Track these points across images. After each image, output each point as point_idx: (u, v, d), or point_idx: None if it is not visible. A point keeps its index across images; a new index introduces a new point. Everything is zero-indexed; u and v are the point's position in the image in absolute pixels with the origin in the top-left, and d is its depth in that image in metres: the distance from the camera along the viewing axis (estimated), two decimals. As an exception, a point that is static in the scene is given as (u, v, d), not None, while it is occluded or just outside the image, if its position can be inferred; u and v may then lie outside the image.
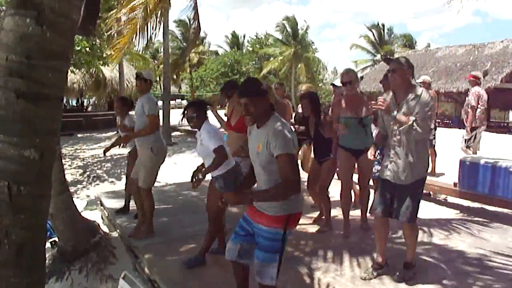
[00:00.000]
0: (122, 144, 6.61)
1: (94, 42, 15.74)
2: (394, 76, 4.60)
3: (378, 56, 48.81)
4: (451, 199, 8.09)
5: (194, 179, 5.06)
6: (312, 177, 6.64)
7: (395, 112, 4.49)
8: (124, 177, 13.98)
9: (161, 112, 7.88)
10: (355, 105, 6.01)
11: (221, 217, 5.43)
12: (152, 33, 15.46)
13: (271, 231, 3.47)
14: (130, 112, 7.46)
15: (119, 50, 14.60)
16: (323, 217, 6.64)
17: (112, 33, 14.82)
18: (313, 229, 6.49)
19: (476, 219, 7.08)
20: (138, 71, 6.69)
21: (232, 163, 5.12)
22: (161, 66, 27.71)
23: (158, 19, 15.76)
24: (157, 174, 6.46)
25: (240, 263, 3.88)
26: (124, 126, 7.12)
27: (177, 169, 7.18)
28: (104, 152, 7.05)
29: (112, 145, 6.88)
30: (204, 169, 5.04)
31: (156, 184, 8.31)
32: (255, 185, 3.79)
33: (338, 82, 6.73)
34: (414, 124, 4.37)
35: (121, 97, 8.11)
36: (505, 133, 22.09)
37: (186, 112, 5.12)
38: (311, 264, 5.24)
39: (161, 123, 6.24)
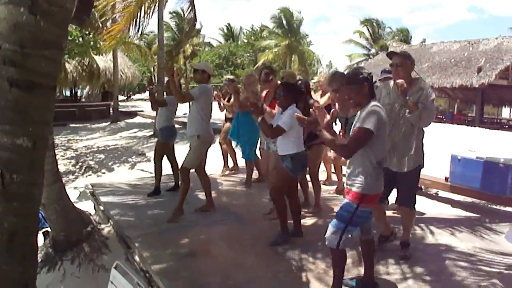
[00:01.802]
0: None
1: (87, 32, 15.69)
2: (398, 70, 4.75)
3: (373, 51, 48.79)
4: (442, 193, 8.13)
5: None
6: None
7: (410, 97, 4.63)
8: (116, 168, 14.05)
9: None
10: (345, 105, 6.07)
11: (283, 197, 5.61)
12: (146, 22, 15.46)
13: (347, 202, 4.04)
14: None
15: (112, 38, 14.56)
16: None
17: (108, 19, 14.80)
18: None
19: (467, 213, 7.12)
20: (192, 64, 7.33)
21: (302, 148, 5.49)
22: (155, 57, 27.59)
23: (153, 7, 15.77)
24: (205, 160, 7.10)
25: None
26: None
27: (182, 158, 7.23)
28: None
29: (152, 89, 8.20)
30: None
31: (151, 175, 8.34)
32: None
33: None
34: (423, 110, 4.57)
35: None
36: (498, 129, 22.19)
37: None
38: (304, 254, 5.27)
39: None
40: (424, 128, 4.95)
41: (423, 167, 5.08)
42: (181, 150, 7.36)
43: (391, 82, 4.96)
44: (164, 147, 8.19)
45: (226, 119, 9.77)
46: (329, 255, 5.00)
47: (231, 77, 10.16)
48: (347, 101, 5.77)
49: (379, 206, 5.02)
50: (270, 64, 44.61)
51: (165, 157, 8.24)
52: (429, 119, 4.71)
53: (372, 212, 4.38)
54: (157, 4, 17.73)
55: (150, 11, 15.62)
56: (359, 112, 4.10)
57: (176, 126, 8.47)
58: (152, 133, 19.17)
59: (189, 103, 6.91)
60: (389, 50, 6.12)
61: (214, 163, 9.76)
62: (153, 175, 8.49)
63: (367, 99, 4.04)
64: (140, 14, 14.85)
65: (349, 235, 4.04)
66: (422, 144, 5.00)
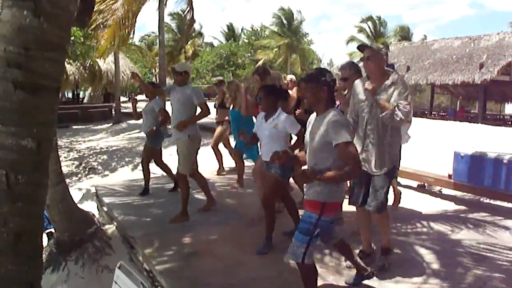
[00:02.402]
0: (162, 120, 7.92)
1: (90, 32, 15.67)
2: (368, 63, 4.56)
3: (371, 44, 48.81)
4: (446, 191, 8.13)
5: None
6: None
7: (379, 97, 4.43)
8: (119, 168, 14.07)
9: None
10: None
11: (274, 204, 5.56)
12: (133, 27, 15.50)
13: (307, 214, 3.83)
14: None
15: (107, 42, 14.54)
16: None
17: (99, 24, 14.78)
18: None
19: (470, 211, 7.12)
20: (172, 66, 7.18)
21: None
22: (157, 58, 27.64)
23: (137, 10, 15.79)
24: (196, 160, 7.11)
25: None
26: (165, 111, 7.83)
27: (173, 160, 7.25)
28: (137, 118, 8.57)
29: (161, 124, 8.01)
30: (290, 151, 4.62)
31: (151, 175, 8.37)
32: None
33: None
34: (396, 109, 4.32)
35: (151, 82, 8.55)
36: (501, 126, 22.15)
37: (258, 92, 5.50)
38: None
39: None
40: (409, 126, 4.81)
41: (397, 169, 4.87)
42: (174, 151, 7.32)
43: (364, 78, 4.80)
44: (151, 153, 8.21)
45: (218, 123, 9.77)
46: (333, 251, 5.04)
47: (221, 78, 10.20)
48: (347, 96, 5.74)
49: (362, 212, 4.86)
50: (271, 64, 44.69)
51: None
52: (403, 119, 4.36)
53: (336, 220, 4.20)
54: (157, 6, 17.87)
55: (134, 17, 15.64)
56: (316, 117, 3.94)
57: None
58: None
59: (171, 104, 6.79)
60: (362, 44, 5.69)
61: (209, 164, 9.81)
62: (157, 175, 8.53)
63: (325, 106, 3.83)
64: (128, 17, 14.83)
65: (313, 246, 3.83)
66: (399, 145, 4.74)
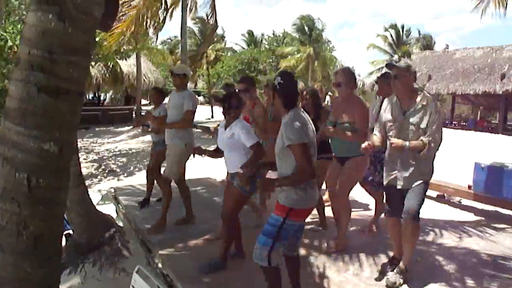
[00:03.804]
0: (142, 128, 7.15)
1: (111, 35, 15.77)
2: (396, 82, 4.50)
3: (396, 57, 48.51)
4: (465, 202, 8.06)
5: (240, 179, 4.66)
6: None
7: (407, 143, 4.35)
8: (138, 171, 14.14)
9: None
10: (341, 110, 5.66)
11: (235, 219, 5.22)
12: (154, 25, 15.39)
13: (273, 216, 3.86)
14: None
15: (115, 38, 14.47)
16: None
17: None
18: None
19: (489, 222, 7.05)
20: (170, 68, 6.97)
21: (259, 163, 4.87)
22: (179, 62, 27.80)
23: (164, 12, 15.73)
24: (184, 170, 6.76)
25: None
26: (154, 117, 7.27)
27: (188, 165, 7.25)
28: (135, 125, 7.62)
29: (143, 122, 8.03)
30: (245, 168, 4.55)
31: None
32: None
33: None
34: (429, 147, 4.31)
35: (156, 87, 8.38)
36: (523, 136, 21.91)
37: (227, 100, 5.04)
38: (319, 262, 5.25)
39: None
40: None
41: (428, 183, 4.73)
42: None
43: (394, 98, 4.67)
44: (162, 158, 7.49)
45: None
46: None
47: (229, 82, 10.03)
48: (340, 102, 5.65)
49: (394, 222, 4.84)
50: (292, 71, 44.69)
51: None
52: (436, 148, 4.40)
53: (301, 228, 4.09)
54: (174, 9, 17.91)
55: (162, 15, 15.60)
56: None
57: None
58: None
59: (166, 107, 6.64)
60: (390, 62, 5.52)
61: (214, 170, 9.85)
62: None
63: (285, 109, 3.88)
64: (147, 15, 14.76)
65: (277, 249, 3.86)
66: (433, 158, 4.64)
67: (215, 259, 5.14)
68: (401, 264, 4.78)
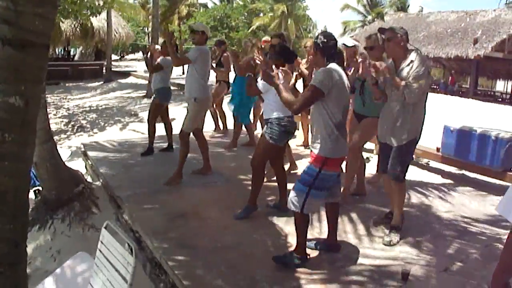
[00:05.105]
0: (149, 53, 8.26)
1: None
2: (389, 44, 4.71)
3: (369, 18, 48.28)
4: (433, 164, 8.18)
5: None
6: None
7: (387, 75, 4.57)
8: (108, 127, 14.01)
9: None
10: None
11: (263, 167, 5.43)
12: None
13: (309, 166, 4.13)
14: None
15: None
16: None
17: None
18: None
19: (456, 185, 7.18)
20: (190, 25, 7.30)
21: (285, 113, 5.06)
22: (150, 17, 27.25)
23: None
24: (202, 123, 7.25)
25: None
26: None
27: (175, 124, 7.31)
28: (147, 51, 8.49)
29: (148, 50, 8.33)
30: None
31: (143, 135, 8.34)
32: None
33: (348, 42, 6.57)
34: (406, 86, 4.45)
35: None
36: (492, 102, 22.19)
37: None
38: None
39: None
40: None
41: (417, 141, 4.94)
42: (175, 111, 7.28)
43: (390, 60, 4.90)
44: (159, 108, 8.23)
45: (217, 81, 9.82)
46: (320, 221, 5.09)
47: (221, 38, 10.16)
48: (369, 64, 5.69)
49: (387, 180, 5.05)
50: (265, 28, 44.33)
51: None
52: (413, 96, 4.50)
53: (337, 176, 4.32)
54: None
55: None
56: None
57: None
58: (145, 93, 19.07)
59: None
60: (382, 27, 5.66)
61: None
62: (145, 135, 8.51)
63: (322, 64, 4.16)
64: None
65: (313, 199, 4.09)
66: (422, 117, 4.80)
67: (246, 205, 5.45)
68: (392, 221, 5.05)
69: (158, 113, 8.31)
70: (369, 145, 6.93)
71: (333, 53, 4.17)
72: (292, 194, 4.12)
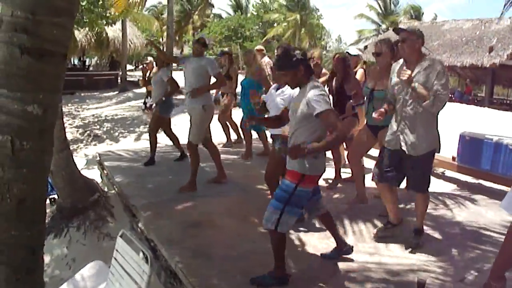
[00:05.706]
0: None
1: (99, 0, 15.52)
2: (403, 46, 4.52)
3: (383, 26, 48.25)
4: (449, 173, 8.12)
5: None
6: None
7: (416, 84, 4.37)
8: (123, 137, 14.09)
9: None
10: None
11: (276, 181, 5.28)
12: None
13: (285, 182, 3.96)
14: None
15: (122, 3, 14.26)
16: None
17: None
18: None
19: (473, 194, 7.11)
20: (199, 37, 7.27)
21: None
22: (164, 27, 27.43)
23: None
24: (209, 130, 7.33)
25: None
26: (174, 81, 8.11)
27: (177, 130, 7.34)
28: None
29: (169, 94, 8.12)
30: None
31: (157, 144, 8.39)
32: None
33: (352, 51, 6.66)
34: (435, 99, 4.31)
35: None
36: (508, 111, 22.00)
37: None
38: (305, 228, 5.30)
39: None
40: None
41: (438, 152, 4.80)
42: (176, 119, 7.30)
43: (401, 61, 4.74)
44: (160, 120, 8.24)
45: (223, 94, 9.77)
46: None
47: (226, 49, 10.17)
48: (378, 71, 5.68)
49: (391, 189, 4.93)
50: (279, 38, 44.42)
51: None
52: (442, 105, 4.40)
53: (317, 193, 4.31)
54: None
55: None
56: (298, 90, 4.04)
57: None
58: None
59: (184, 74, 6.79)
60: (398, 26, 5.63)
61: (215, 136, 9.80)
62: (161, 145, 8.55)
63: (306, 80, 3.94)
64: None
65: (288, 216, 3.90)
66: (436, 125, 4.68)
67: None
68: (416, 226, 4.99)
69: (159, 125, 8.31)
70: (373, 151, 6.84)
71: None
72: (267, 212, 3.95)
